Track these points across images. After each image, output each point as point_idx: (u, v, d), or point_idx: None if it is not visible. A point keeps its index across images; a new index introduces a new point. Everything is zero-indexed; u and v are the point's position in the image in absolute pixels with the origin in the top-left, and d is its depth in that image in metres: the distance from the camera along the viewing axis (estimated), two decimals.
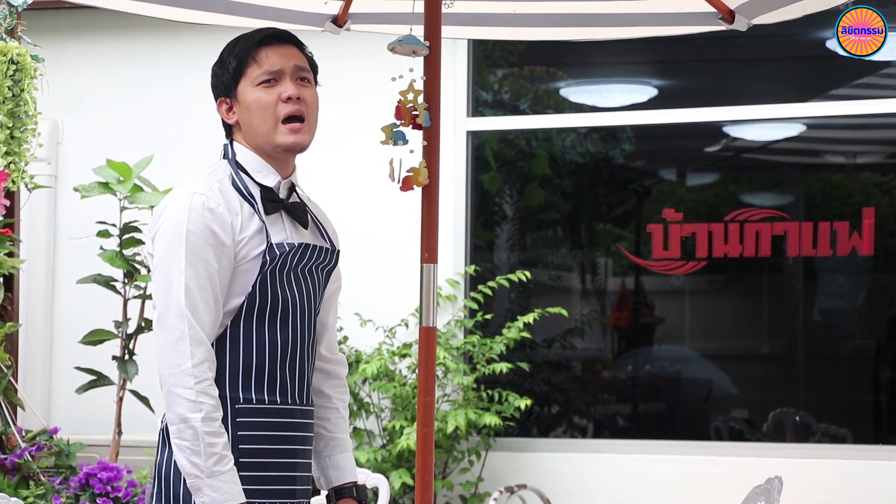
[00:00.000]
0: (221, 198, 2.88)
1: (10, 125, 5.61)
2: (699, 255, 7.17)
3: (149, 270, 3.83)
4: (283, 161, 3.00)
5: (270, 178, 2.97)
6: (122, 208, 6.30)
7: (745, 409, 7.61)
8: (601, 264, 7.82)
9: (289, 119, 2.94)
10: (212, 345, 2.84)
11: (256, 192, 2.94)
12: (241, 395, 2.87)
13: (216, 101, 3.03)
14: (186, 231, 2.82)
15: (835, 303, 7.60)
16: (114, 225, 6.29)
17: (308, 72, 3.01)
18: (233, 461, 2.79)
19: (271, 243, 2.89)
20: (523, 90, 7.88)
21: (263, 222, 2.90)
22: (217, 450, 2.76)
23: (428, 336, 3.34)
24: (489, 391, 6.85)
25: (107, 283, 6.31)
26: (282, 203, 2.97)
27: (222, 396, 2.84)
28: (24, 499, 5.39)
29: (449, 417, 6.56)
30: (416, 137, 3.30)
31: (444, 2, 3.51)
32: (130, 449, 6.42)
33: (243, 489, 2.80)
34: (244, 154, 2.98)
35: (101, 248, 6.31)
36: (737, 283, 7.77)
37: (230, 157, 2.99)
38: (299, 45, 3.03)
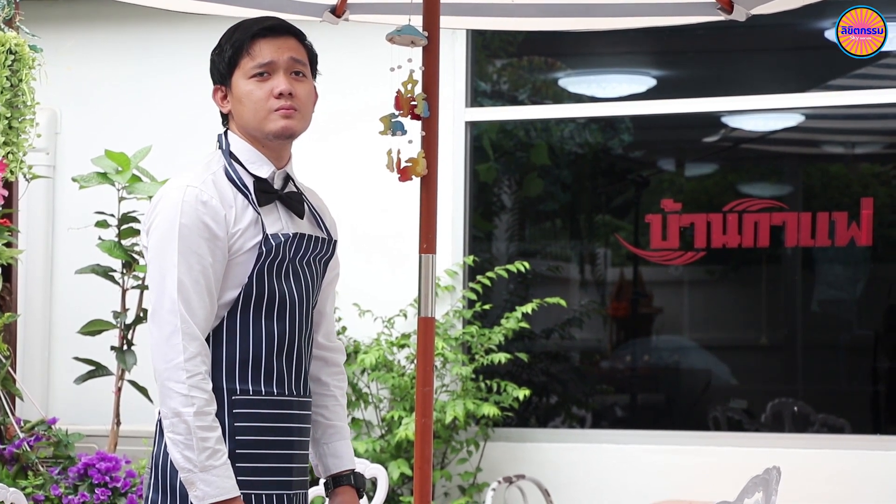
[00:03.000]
0: (215, 190, 2.87)
1: (9, 115, 5.61)
2: (698, 246, 7.17)
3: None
4: (277, 151, 2.99)
5: (264, 169, 2.96)
6: (121, 198, 6.30)
7: (743, 400, 7.62)
8: (600, 255, 7.82)
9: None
10: (208, 337, 2.84)
11: (250, 183, 2.93)
12: (237, 387, 2.87)
13: (213, 86, 3.03)
14: (179, 225, 2.82)
15: (833, 293, 7.60)
16: (112, 215, 6.29)
17: (304, 65, 2.99)
18: (226, 455, 2.79)
19: (266, 234, 2.88)
20: (522, 80, 7.87)
21: (258, 213, 2.90)
22: (210, 444, 2.76)
23: (426, 326, 3.34)
24: (488, 381, 6.86)
25: (105, 273, 6.31)
26: (275, 194, 2.97)
27: (219, 388, 2.84)
28: (23, 489, 5.39)
29: (447, 408, 6.56)
30: (414, 128, 3.30)
31: None
32: (129, 439, 6.43)
33: (240, 480, 2.81)
34: (238, 144, 2.97)
35: (100, 238, 6.31)
36: (735, 274, 7.77)
37: (224, 147, 2.98)
38: (298, 37, 3.01)
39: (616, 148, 7.88)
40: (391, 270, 7.14)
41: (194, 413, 2.75)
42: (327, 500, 3.16)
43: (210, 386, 2.80)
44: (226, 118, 3.03)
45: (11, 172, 5.67)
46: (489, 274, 6.99)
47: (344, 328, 6.89)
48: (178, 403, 2.75)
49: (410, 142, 3.28)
